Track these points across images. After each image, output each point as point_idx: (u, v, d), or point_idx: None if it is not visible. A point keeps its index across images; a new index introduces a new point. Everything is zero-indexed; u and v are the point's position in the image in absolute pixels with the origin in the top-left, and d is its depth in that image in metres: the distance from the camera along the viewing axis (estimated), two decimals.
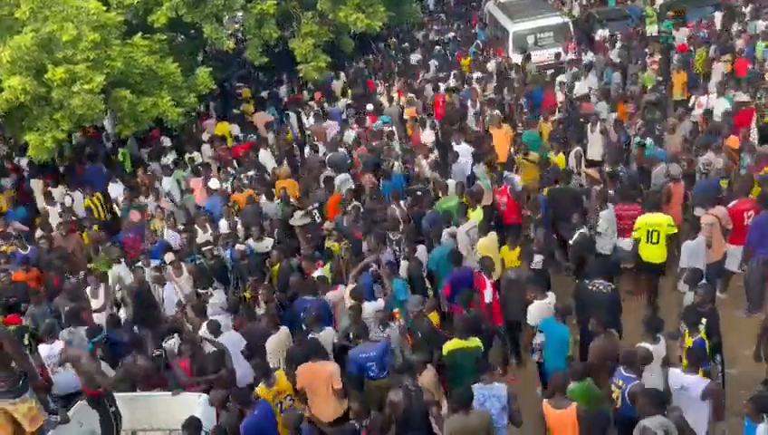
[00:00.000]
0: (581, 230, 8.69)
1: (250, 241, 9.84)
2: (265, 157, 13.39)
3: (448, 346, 6.80)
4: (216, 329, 7.53)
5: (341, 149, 12.79)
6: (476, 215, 9.42)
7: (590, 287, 7.42)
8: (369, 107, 15.37)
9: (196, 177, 12.74)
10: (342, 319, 7.90)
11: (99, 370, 6.89)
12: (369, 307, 7.62)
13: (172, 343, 7.73)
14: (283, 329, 7.56)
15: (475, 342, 6.83)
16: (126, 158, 15.04)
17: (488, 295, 7.83)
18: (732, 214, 8.32)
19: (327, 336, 7.36)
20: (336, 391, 6.62)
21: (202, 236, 10.38)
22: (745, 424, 5.49)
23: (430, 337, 7.20)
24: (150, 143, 15.88)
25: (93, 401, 6.83)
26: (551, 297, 7.44)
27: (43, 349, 7.87)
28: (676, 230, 8.37)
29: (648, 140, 10.77)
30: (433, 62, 19.45)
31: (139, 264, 9.44)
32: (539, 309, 7.32)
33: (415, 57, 20.68)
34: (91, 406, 6.84)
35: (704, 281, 7.38)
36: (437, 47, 22.24)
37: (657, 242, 8.28)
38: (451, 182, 10.58)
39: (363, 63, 21.29)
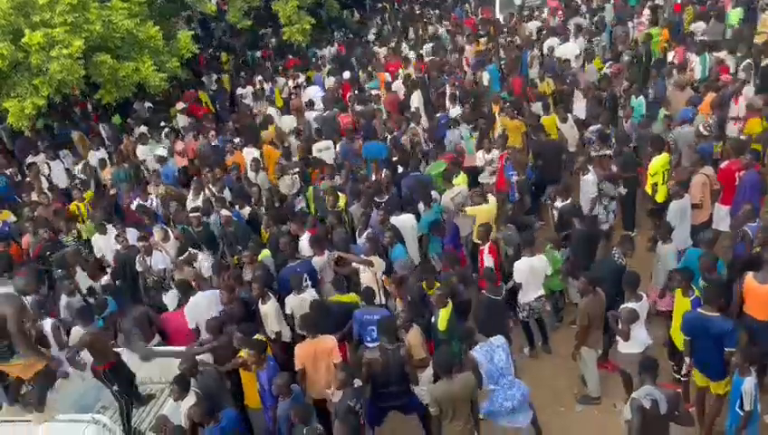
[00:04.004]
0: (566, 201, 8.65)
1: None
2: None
3: (442, 321, 6.70)
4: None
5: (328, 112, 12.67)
6: (461, 181, 9.26)
7: (618, 261, 7.16)
8: (346, 75, 15.12)
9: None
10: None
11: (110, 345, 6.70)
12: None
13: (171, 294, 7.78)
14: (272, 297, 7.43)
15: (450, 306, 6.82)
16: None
17: (488, 260, 7.78)
18: (723, 174, 8.32)
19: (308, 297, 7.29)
20: (337, 365, 6.36)
21: (191, 201, 10.26)
22: (734, 378, 5.55)
23: (418, 300, 7.18)
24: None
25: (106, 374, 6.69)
26: (540, 258, 7.37)
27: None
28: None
29: (641, 99, 10.71)
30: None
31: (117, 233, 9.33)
32: (526, 267, 7.28)
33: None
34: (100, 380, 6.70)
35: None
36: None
37: (667, 181, 8.76)
38: None
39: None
